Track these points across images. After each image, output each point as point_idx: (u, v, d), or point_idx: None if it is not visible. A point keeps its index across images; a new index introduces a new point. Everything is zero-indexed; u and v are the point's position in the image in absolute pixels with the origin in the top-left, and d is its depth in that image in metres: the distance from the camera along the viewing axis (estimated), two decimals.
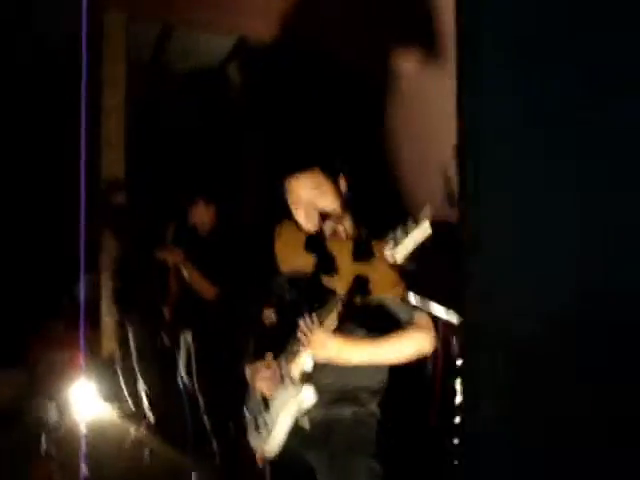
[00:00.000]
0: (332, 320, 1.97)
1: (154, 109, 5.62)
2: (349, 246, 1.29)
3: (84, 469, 4.19)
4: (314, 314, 2.01)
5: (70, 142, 5.01)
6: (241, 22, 5.14)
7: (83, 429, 4.85)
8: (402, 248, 1.69)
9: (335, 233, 1.74)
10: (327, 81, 5.79)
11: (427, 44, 5.27)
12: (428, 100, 5.33)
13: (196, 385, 4.08)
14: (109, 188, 4.78)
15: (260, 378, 2.26)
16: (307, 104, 5.87)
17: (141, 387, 4.86)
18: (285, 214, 2.35)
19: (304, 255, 1.37)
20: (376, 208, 2.54)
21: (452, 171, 4.89)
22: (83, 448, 4.54)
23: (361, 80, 5.73)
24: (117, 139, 4.65)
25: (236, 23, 5.15)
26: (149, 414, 4.86)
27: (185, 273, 3.82)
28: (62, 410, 4.90)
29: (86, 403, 5.09)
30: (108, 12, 4.84)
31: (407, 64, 5.55)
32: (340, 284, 1.29)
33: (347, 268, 1.28)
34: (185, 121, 5.76)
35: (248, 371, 2.33)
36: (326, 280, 1.31)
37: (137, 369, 4.81)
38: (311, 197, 2.21)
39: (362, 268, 1.26)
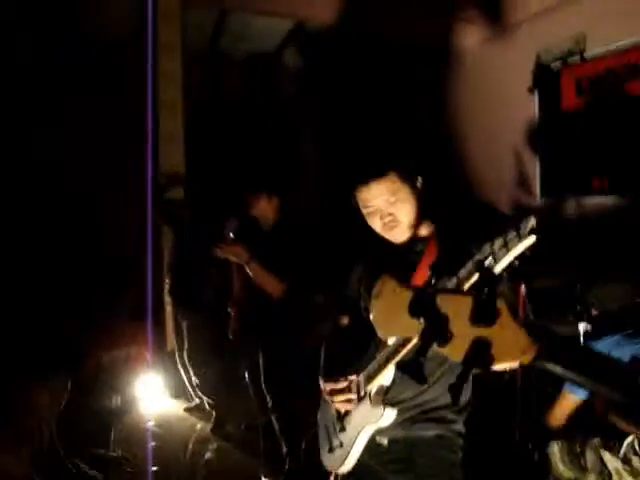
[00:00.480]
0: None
1: (212, 100, 5.53)
2: (467, 304, 1.03)
3: (150, 463, 4.20)
4: None
5: (130, 137, 5.01)
6: (297, 5, 4.98)
7: (149, 423, 4.87)
8: (500, 265, 1.51)
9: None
10: (387, 65, 5.60)
11: (489, 16, 5.05)
12: (495, 75, 5.13)
13: (264, 387, 4.00)
14: (169, 183, 4.73)
15: (338, 395, 2.12)
16: (368, 90, 5.70)
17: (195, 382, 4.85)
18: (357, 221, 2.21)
19: (408, 320, 1.12)
20: (448, 203, 2.38)
21: (527, 153, 4.75)
22: (150, 442, 4.57)
23: (423, 61, 5.53)
24: (176, 133, 4.57)
25: (292, 7, 4.99)
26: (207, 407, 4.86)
27: (250, 272, 3.69)
28: (128, 404, 4.92)
29: (152, 397, 5.11)
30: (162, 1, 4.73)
31: (470, 39, 5.35)
32: (454, 353, 1.04)
33: (463, 332, 1.03)
34: (242, 113, 5.66)
35: (324, 385, 2.18)
36: (437, 349, 1.06)
37: (191, 365, 4.79)
38: (387, 206, 2.06)
39: (482, 330, 1.02)
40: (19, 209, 4.73)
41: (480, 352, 1.00)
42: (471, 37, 5.35)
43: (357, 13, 4.87)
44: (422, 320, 1.09)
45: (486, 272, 1.46)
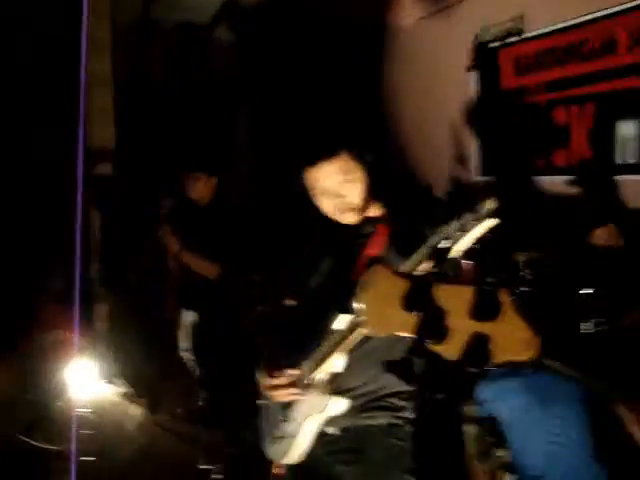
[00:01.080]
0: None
1: (143, 73, 5.31)
2: (467, 297, 0.93)
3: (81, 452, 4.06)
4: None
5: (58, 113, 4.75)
6: None
7: (81, 409, 4.70)
8: (458, 247, 1.45)
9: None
10: (323, 41, 5.50)
11: None
12: (433, 54, 5.10)
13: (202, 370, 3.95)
14: (98, 160, 4.54)
15: (281, 386, 2.04)
16: (303, 67, 5.59)
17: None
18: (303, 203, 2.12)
19: (402, 313, 1.01)
20: (390, 183, 2.32)
21: (465, 132, 4.74)
22: (76, 429, 4.41)
23: (359, 38, 5.46)
24: (106, 107, 4.38)
25: None
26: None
27: (184, 259, 3.67)
28: (59, 391, 4.73)
29: (85, 383, 4.93)
30: None
31: (407, 16, 5.30)
32: (451, 349, 0.94)
33: (461, 327, 0.93)
34: (176, 88, 5.46)
35: (265, 377, 2.10)
36: (431, 345, 0.95)
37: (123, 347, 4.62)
38: (339, 186, 1.97)
39: (483, 326, 0.91)
40: None
41: (478, 349, 0.92)
42: (409, 14, 5.29)
43: None
44: (418, 314, 0.99)
45: (441, 255, 1.39)
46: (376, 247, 1.95)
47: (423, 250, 1.49)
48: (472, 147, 4.74)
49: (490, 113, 4.64)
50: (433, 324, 0.96)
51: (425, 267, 1.47)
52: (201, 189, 3.75)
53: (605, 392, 2.21)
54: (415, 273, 1.42)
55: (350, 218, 2.01)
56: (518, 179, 4.41)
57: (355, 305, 1.26)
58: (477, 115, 4.69)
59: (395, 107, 5.47)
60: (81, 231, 3.70)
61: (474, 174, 4.73)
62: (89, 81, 4.33)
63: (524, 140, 4.41)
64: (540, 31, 4.19)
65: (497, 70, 4.54)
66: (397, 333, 1.02)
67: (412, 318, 1.00)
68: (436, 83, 5.07)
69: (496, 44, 4.49)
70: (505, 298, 0.93)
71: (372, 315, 1.18)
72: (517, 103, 4.42)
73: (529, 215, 3.77)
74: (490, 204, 1.39)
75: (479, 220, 1.39)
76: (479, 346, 0.92)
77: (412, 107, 5.35)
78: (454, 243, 1.42)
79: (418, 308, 1.00)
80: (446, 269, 1.39)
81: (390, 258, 1.76)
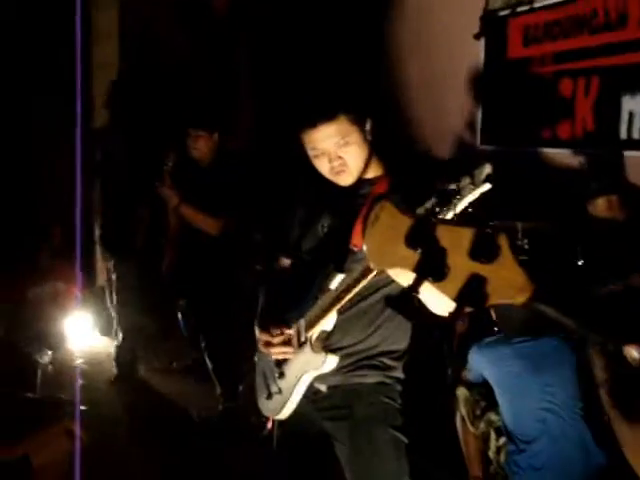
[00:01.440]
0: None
1: (146, 30, 5.25)
2: (467, 238, 0.94)
3: (79, 402, 4.12)
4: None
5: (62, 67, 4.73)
6: None
7: (78, 361, 4.77)
8: (453, 211, 1.47)
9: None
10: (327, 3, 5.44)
11: None
12: (441, 18, 5.04)
13: (197, 325, 3.99)
14: (100, 117, 4.52)
15: (276, 343, 2.07)
16: (307, 28, 5.54)
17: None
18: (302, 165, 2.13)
19: (404, 249, 1.02)
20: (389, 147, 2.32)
21: (470, 100, 4.72)
22: (78, 380, 4.47)
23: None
24: (111, 61, 4.35)
25: None
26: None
27: (185, 214, 3.68)
28: (56, 341, 4.78)
29: (81, 335, 4.99)
30: None
31: None
32: (448, 288, 0.96)
33: (460, 266, 0.95)
34: (178, 46, 5.41)
35: (260, 334, 2.12)
36: (430, 283, 0.97)
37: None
38: (336, 149, 1.99)
39: (480, 267, 0.93)
40: None
41: (475, 289, 0.94)
42: None
43: None
44: (419, 251, 1.01)
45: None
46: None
47: (420, 211, 1.53)
48: (477, 114, 4.71)
49: (496, 82, 4.61)
50: (433, 262, 0.98)
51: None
52: (202, 147, 3.75)
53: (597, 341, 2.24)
54: (419, 212, 1.45)
55: (346, 180, 2.03)
56: (522, 149, 4.40)
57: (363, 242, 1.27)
58: (483, 83, 4.66)
59: (400, 68, 5.41)
60: (82, 188, 3.73)
61: (478, 141, 4.71)
62: (94, 35, 4.33)
63: (529, 110, 4.39)
64: (550, 1, 4.15)
65: (505, 39, 4.49)
66: (398, 268, 1.04)
67: (413, 255, 1.02)
68: (443, 48, 5.00)
69: (506, 12, 4.44)
70: (503, 242, 0.95)
71: (375, 248, 1.19)
72: (524, 73, 4.38)
73: (530, 185, 3.79)
74: (487, 169, 1.41)
75: (476, 185, 1.41)
76: (476, 286, 0.95)
77: (417, 69, 5.28)
78: (451, 207, 1.45)
79: (420, 245, 1.01)
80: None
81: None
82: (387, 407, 2.06)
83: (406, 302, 1.03)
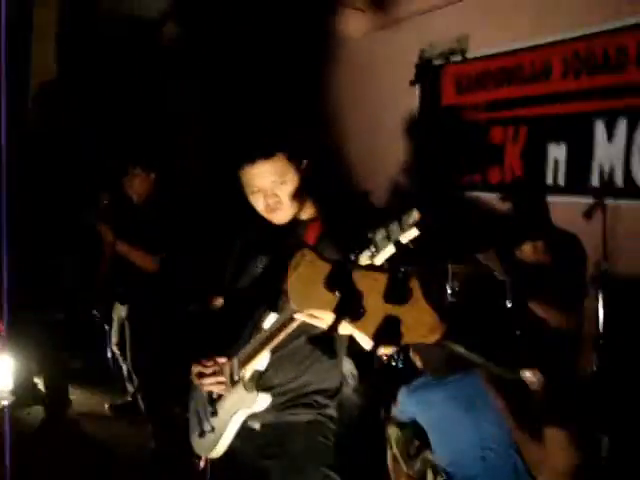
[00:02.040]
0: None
1: (86, 68, 5.25)
2: (382, 282, 1.02)
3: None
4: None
5: None
6: None
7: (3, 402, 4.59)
8: (383, 254, 1.52)
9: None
10: (267, 47, 5.55)
11: (376, 6, 5.11)
12: (379, 65, 5.20)
13: (129, 359, 3.94)
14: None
15: (209, 379, 2.07)
16: (247, 70, 5.62)
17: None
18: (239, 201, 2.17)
19: (323, 293, 1.09)
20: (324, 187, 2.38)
21: (406, 145, 4.86)
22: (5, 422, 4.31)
23: (305, 46, 5.52)
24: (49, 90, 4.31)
25: None
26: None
27: (120, 250, 3.66)
28: None
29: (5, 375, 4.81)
30: None
31: (355, 27, 5.38)
32: (365, 328, 1.02)
33: (376, 308, 1.01)
34: (119, 85, 5.42)
35: (194, 366, 2.13)
36: (348, 323, 1.03)
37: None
38: (273, 186, 2.03)
39: (394, 309, 1.00)
40: None
41: (390, 329, 1.00)
42: (357, 25, 5.37)
43: None
44: (337, 294, 1.06)
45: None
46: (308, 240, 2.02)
47: (347, 257, 1.58)
48: (412, 160, 4.86)
49: (430, 128, 4.78)
50: (351, 304, 1.05)
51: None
52: (139, 185, 3.75)
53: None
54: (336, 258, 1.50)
55: (280, 218, 2.07)
56: (455, 193, 4.55)
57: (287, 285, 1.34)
58: (418, 129, 4.82)
59: (339, 116, 5.55)
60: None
61: (414, 186, 4.85)
62: (32, 68, 4.30)
63: (461, 156, 4.56)
64: (482, 52, 4.35)
65: (439, 87, 4.68)
66: (318, 310, 1.10)
67: (332, 297, 1.09)
68: (380, 94, 5.17)
69: (440, 61, 4.64)
70: (415, 285, 1.03)
71: (296, 292, 1.27)
72: (456, 120, 4.56)
73: (460, 228, 3.91)
74: (414, 215, 1.47)
75: (403, 230, 1.47)
76: (391, 326, 1.01)
77: (356, 114, 5.43)
78: (378, 250, 1.50)
79: (338, 288, 1.08)
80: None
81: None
82: (320, 445, 2.07)
83: (327, 341, 1.08)
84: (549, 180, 3.98)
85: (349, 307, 1.04)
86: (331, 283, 1.09)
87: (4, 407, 4.43)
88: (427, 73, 4.73)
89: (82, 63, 5.25)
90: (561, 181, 3.93)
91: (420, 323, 1.01)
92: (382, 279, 1.04)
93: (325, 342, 1.10)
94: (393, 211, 1.66)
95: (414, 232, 1.49)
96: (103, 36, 5.50)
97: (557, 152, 3.95)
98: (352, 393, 3.14)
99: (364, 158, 5.27)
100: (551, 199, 3.80)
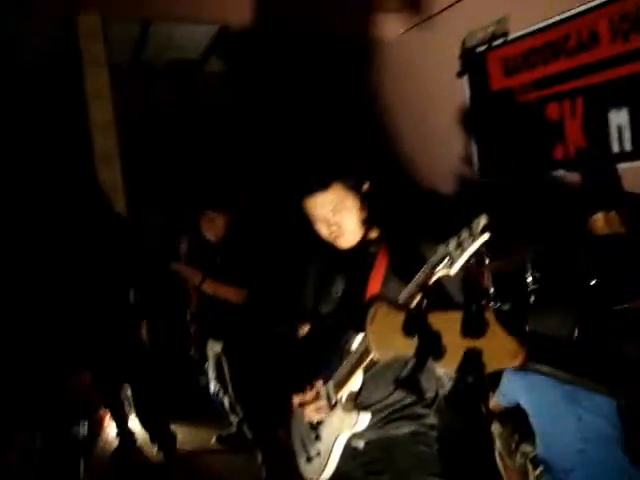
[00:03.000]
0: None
1: (144, 115, 5.45)
2: (457, 319, 1.06)
3: None
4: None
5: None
6: (218, 11, 4.93)
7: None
8: (458, 264, 1.56)
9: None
10: (311, 62, 5.61)
11: (410, 5, 5.11)
12: (421, 64, 5.19)
13: (230, 391, 4.04)
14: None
15: (309, 407, 2.13)
16: (294, 89, 5.71)
17: None
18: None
19: (402, 339, 1.14)
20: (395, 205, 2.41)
21: (462, 137, 4.83)
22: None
23: (346, 55, 5.56)
24: (111, 152, 4.47)
25: (213, 12, 4.94)
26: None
27: (207, 290, 3.76)
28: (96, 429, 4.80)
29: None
30: (81, 14, 4.61)
31: (391, 29, 5.39)
32: (448, 365, 1.07)
33: (455, 344, 1.06)
34: (175, 125, 5.59)
35: (295, 398, 2.19)
36: (433, 363, 1.09)
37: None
38: (332, 215, 2.08)
39: (473, 342, 1.04)
40: None
41: (472, 362, 1.03)
42: (393, 27, 5.38)
43: (277, 12, 4.85)
44: (416, 339, 1.11)
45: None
46: (377, 276, 2.05)
47: (425, 270, 1.61)
48: (472, 150, 4.82)
49: (484, 115, 4.73)
50: (431, 345, 1.09)
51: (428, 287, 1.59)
52: (217, 227, 3.83)
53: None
54: (410, 304, 1.54)
55: (345, 243, 2.13)
56: (519, 176, 4.49)
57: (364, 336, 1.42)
58: (471, 118, 4.78)
59: (390, 120, 5.56)
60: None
61: (477, 175, 4.81)
62: (91, 127, 4.48)
63: (520, 138, 4.49)
64: (524, 31, 4.29)
65: (487, 73, 4.63)
66: (401, 354, 1.15)
67: (412, 341, 1.14)
68: (428, 92, 5.15)
69: (483, 48, 4.59)
70: (490, 317, 1.06)
71: (376, 343, 1.34)
72: (510, 103, 4.50)
73: (532, 210, 3.85)
74: (483, 220, 1.50)
75: (474, 237, 1.49)
76: (473, 359, 1.05)
77: (407, 118, 5.43)
78: (453, 261, 1.54)
79: (416, 333, 1.13)
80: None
81: (390, 285, 1.90)
82: (425, 455, 2.10)
83: (412, 382, 1.14)
84: (615, 148, 3.87)
85: (429, 348, 1.08)
86: (408, 329, 1.14)
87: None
88: (472, 62, 4.69)
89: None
90: (627, 147, 3.82)
91: (501, 351, 1.04)
92: (456, 317, 1.07)
93: (409, 382, 1.16)
94: (460, 212, 1.68)
95: (485, 237, 1.52)
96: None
97: (619, 118, 3.85)
98: None
99: (418, 159, 5.26)
100: (620, 167, 3.72)
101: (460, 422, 2.98)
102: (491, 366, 1.04)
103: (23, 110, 5.19)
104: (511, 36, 4.38)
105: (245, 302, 3.78)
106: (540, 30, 4.19)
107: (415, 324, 1.12)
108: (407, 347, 1.14)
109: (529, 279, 2.99)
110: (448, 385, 3.15)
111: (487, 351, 1.04)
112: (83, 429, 4.54)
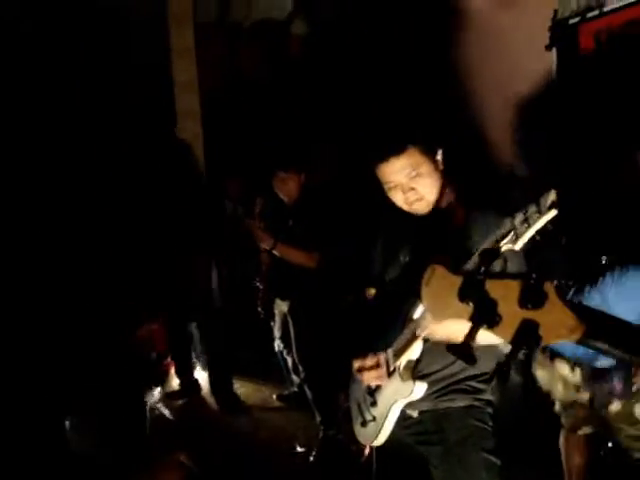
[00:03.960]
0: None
1: (227, 75, 5.49)
2: (515, 288, 1.03)
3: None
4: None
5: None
6: None
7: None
8: (522, 240, 1.53)
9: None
10: (394, 30, 5.52)
11: None
12: (509, 36, 5.02)
13: (294, 352, 4.11)
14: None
15: (367, 372, 2.14)
16: (376, 55, 5.63)
17: None
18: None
19: (457, 304, 1.13)
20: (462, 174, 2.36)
21: (546, 105, 4.66)
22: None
23: (431, 23, 5.44)
24: (194, 110, 4.55)
25: None
26: None
27: (282, 253, 3.79)
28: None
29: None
30: None
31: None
32: (502, 334, 1.05)
33: (512, 314, 1.04)
34: (258, 87, 5.61)
35: (355, 363, 2.21)
36: (487, 331, 1.07)
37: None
38: (408, 180, 2.06)
39: (531, 313, 1.02)
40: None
41: (528, 333, 1.01)
42: None
43: None
44: (472, 305, 1.09)
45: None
46: (446, 244, 2.03)
47: (490, 241, 1.59)
48: (552, 122, 4.66)
49: (572, 90, 4.55)
50: (486, 312, 1.07)
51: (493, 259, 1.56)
52: (291, 188, 3.84)
53: None
54: (470, 271, 1.51)
55: (421, 210, 2.10)
56: (604, 154, 4.32)
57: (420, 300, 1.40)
58: (557, 93, 4.61)
59: (473, 91, 5.42)
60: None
61: (551, 150, 4.66)
62: (174, 86, 4.56)
63: (609, 115, 4.31)
64: (620, 4, 4.09)
65: (577, 46, 4.44)
66: (455, 319, 1.13)
67: (467, 307, 1.12)
68: (515, 64, 4.99)
69: (576, 20, 4.40)
70: (550, 288, 1.02)
71: (431, 305, 1.32)
72: (599, 78, 4.31)
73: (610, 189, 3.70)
74: (552, 196, 1.46)
75: (542, 213, 1.46)
76: (529, 330, 1.02)
77: (491, 90, 5.29)
78: (518, 236, 1.51)
79: (472, 298, 1.11)
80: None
81: (457, 253, 1.88)
82: (478, 430, 2.09)
83: (464, 348, 1.12)
84: None
85: (484, 315, 1.06)
86: (464, 294, 1.12)
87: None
88: (563, 34, 4.51)
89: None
90: None
91: (559, 324, 1.00)
92: (515, 286, 1.04)
93: (458, 348, 1.14)
94: (536, 186, 1.64)
95: (552, 213, 1.48)
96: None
97: None
98: (515, 374, 3.11)
99: (500, 130, 5.12)
100: None
101: (521, 398, 2.95)
102: (547, 339, 1.01)
103: (111, 64, 5.30)
104: (607, 8, 4.18)
105: (316, 267, 3.79)
106: (635, 3, 3.98)
107: (472, 289, 1.10)
108: (461, 312, 1.12)
109: (603, 261, 2.89)
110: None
111: (544, 324, 1.01)
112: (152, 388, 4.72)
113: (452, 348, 1.13)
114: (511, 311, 1.02)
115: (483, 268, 1.18)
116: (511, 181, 4.34)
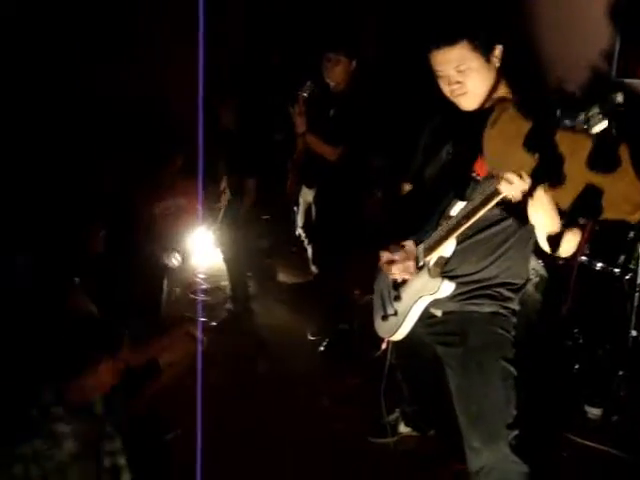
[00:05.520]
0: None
1: None
2: (587, 146, 0.91)
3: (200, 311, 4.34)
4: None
5: None
6: None
7: (200, 276, 4.99)
8: (597, 128, 1.42)
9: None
10: None
11: None
12: None
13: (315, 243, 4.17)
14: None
15: (395, 263, 2.11)
16: None
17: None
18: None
19: (522, 153, 1.00)
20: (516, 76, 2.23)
21: (607, 30, 4.43)
22: (199, 293, 4.72)
23: None
24: None
25: None
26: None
27: (309, 141, 3.75)
28: (183, 257, 4.98)
29: (203, 252, 5.19)
30: None
31: None
32: (563, 197, 0.93)
33: (577, 175, 0.91)
34: None
35: (382, 252, 2.17)
36: (546, 190, 0.94)
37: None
38: (455, 73, 1.96)
39: (598, 178, 0.90)
40: None
41: (589, 201, 0.91)
42: None
43: None
44: (537, 156, 0.99)
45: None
46: None
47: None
48: (614, 46, 4.44)
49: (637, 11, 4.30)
50: (551, 168, 0.95)
51: None
52: (341, 73, 3.68)
53: None
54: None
55: (465, 104, 2.00)
56: None
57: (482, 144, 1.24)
58: (622, 12, 4.37)
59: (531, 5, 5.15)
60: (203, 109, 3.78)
61: (614, 73, 4.46)
62: None
63: None
64: None
65: None
66: (514, 172, 1.01)
67: (531, 159, 0.99)
68: None
69: None
70: (625, 153, 0.90)
71: (492, 150, 1.18)
72: None
73: None
74: (618, 97, 1.34)
75: (605, 114, 1.35)
76: (591, 198, 0.91)
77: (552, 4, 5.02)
78: (594, 127, 1.40)
79: (538, 150, 0.98)
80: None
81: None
82: (500, 338, 2.06)
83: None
84: None
85: (548, 171, 0.94)
86: (531, 143, 0.99)
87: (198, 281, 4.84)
88: None
89: None
90: None
91: (624, 198, 0.89)
92: (588, 143, 0.92)
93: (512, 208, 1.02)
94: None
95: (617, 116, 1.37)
96: None
97: None
98: (534, 291, 3.07)
99: (560, 47, 4.88)
100: None
101: (539, 317, 2.93)
102: (609, 213, 0.90)
103: None
104: None
105: (336, 162, 3.71)
106: None
107: (541, 139, 0.98)
108: (524, 163, 1.00)
109: None
110: (535, 280, 3.07)
111: (609, 193, 0.90)
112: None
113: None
114: (578, 171, 0.91)
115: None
116: (560, 95, 4.16)
